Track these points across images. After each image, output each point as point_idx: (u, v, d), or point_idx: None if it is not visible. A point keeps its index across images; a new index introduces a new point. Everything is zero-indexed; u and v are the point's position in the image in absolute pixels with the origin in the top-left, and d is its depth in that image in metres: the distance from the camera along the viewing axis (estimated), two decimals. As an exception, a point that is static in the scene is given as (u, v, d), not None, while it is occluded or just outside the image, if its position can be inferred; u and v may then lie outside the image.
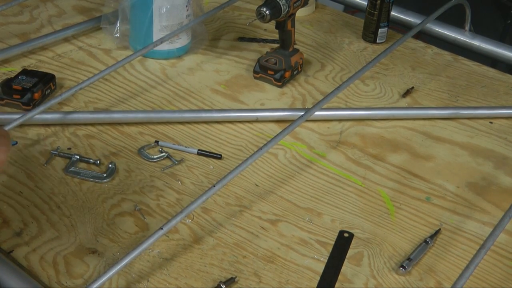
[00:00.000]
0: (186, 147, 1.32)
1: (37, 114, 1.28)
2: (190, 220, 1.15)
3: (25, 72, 1.44)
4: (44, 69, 1.51)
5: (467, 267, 0.95)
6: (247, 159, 1.14)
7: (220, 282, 1.03)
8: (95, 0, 1.83)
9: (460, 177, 1.29)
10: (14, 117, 1.27)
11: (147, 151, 1.30)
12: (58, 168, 1.25)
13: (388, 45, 1.62)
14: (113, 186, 1.22)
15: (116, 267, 0.97)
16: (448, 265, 1.10)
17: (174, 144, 1.32)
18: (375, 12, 1.68)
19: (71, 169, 1.24)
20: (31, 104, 1.38)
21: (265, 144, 1.17)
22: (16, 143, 1.20)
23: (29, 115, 1.25)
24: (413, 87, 1.55)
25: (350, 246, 1.08)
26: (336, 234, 1.09)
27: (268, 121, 1.41)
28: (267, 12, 1.42)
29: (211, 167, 1.28)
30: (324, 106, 1.33)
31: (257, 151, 1.16)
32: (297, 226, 1.16)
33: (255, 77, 1.55)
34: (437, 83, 1.58)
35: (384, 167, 1.30)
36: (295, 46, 1.57)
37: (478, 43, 1.72)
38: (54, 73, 1.47)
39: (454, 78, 1.60)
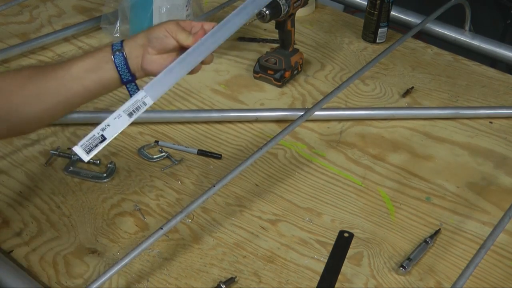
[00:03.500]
0: (186, 147, 1.32)
1: (37, 114, 1.28)
2: (190, 220, 1.15)
3: (25, 72, 1.44)
4: (44, 69, 1.51)
5: (467, 267, 0.95)
6: (247, 159, 1.14)
7: (220, 282, 1.03)
8: (95, 0, 1.83)
9: (460, 177, 1.29)
10: (14, 117, 1.26)
11: (147, 151, 1.30)
12: (58, 168, 1.25)
13: (388, 45, 1.61)
14: (113, 186, 1.22)
15: (116, 267, 0.97)
16: (448, 265, 1.10)
17: (174, 144, 1.32)
18: (375, 12, 1.68)
19: (71, 169, 1.24)
20: (31, 104, 1.38)
21: (265, 144, 1.17)
22: None
23: (29, 115, 1.25)
24: (413, 87, 1.55)
25: (350, 246, 1.08)
26: (336, 234, 1.09)
27: (268, 121, 1.41)
28: (267, 12, 1.42)
29: (211, 167, 1.28)
30: (324, 106, 1.33)
31: (257, 151, 1.16)
32: (297, 226, 1.16)
33: (255, 77, 1.55)
34: (437, 83, 1.58)
35: (384, 167, 1.30)
36: (295, 46, 1.57)
37: (478, 43, 1.71)
38: (54, 73, 1.47)
39: (454, 78, 1.60)
